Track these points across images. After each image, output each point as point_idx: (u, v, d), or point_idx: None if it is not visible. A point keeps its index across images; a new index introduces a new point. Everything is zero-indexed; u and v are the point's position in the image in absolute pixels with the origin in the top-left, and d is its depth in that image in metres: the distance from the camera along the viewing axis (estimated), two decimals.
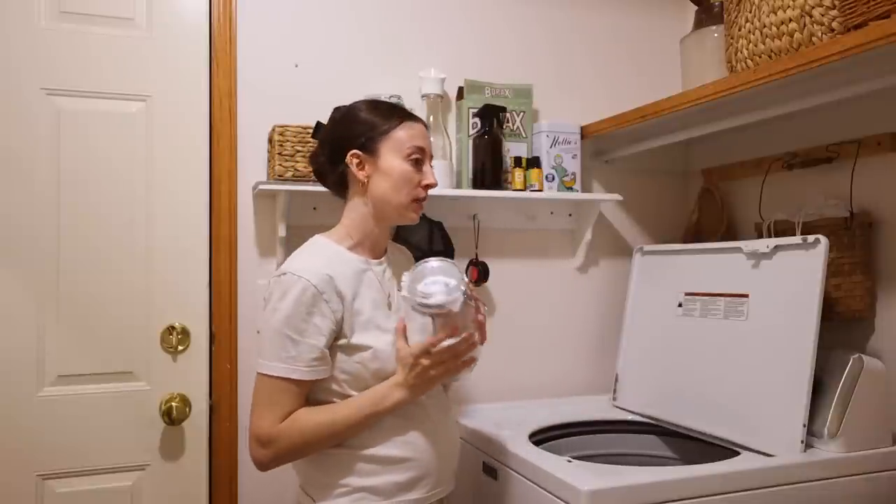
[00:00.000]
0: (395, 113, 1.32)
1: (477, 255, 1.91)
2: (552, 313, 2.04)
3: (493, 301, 1.98)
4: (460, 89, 1.92)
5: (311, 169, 1.64)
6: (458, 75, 1.90)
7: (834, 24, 1.33)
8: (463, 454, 1.62)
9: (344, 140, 1.31)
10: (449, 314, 1.20)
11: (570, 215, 2.05)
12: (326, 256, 1.28)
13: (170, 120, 1.70)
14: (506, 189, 1.89)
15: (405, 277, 1.23)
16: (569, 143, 1.94)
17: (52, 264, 1.62)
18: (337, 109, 1.37)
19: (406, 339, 1.24)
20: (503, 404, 1.87)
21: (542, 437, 1.63)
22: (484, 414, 1.73)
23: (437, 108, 1.85)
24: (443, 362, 1.22)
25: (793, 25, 1.40)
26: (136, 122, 1.68)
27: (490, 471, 1.50)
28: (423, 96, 1.84)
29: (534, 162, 1.90)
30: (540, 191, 1.89)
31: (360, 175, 1.29)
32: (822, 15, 1.35)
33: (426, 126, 1.36)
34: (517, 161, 1.89)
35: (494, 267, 1.92)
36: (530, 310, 2.01)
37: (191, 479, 1.68)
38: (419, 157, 1.30)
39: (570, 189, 1.94)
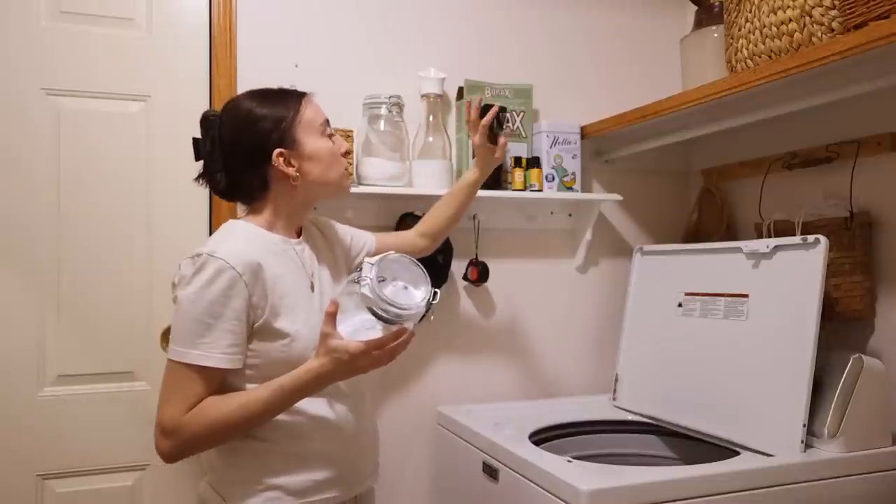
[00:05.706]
0: (289, 95, 1.28)
1: (477, 255, 1.91)
2: (552, 313, 2.04)
3: (492, 301, 1.98)
4: (460, 89, 1.92)
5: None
6: (458, 75, 1.89)
7: (834, 24, 1.33)
8: (463, 454, 1.62)
9: (257, 141, 1.22)
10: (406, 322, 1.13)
11: (570, 215, 2.05)
12: (246, 238, 1.21)
13: (170, 120, 1.69)
14: (506, 189, 1.89)
15: (368, 271, 1.10)
16: (569, 143, 1.94)
17: (53, 264, 1.62)
18: (216, 116, 1.27)
19: (335, 325, 1.13)
20: (503, 404, 1.87)
21: (542, 437, 1.63)
22: (484, 414, 1.72)
23: (437, 108, 1.85)
24: (378, 360, 1.14)
25: (793, 25, 1.40)
26: (136, 122, 1.68)
27: (490, 471, 1.49)
28: (422, 96, 1.84)
29: (534, 162, 1.90)
30: (540, 191, 1.90)
31: (291, 171, 1.23)
32: (822, 15, 1.35)
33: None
34: (517, 161, 1.89)
35: (494, 267, 1.92)
36: (530, 310, 2.01)
37: (191, 478, 1.68)
38: (327, 128, 1.29)
39: (570, 189, 1.94)
